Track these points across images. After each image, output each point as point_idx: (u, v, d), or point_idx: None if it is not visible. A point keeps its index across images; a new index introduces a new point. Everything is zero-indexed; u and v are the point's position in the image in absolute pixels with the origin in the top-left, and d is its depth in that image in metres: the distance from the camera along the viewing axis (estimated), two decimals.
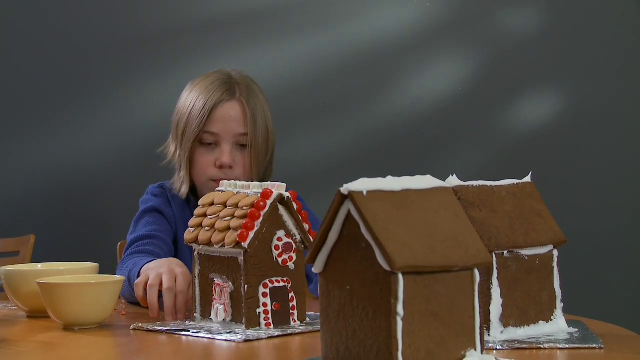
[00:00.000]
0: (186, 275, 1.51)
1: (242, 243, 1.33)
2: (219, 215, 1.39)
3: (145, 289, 1.51)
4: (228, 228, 1.36)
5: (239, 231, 1.34)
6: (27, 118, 2.91)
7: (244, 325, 1.34)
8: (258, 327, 1.34)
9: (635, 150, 2.80)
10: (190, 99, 1.90)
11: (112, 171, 2.87)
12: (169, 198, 1.95)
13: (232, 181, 1.45)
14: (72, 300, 1.38)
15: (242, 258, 1.35)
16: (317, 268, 0.97)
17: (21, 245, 2.48)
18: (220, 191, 1.44)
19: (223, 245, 1.35)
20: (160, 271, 1.52)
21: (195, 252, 1.41)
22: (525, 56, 2.82)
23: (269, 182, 1.43)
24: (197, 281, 1.41)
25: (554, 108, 2.82)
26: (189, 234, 1.41)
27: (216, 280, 1.38)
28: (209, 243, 1.37)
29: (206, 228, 1.39)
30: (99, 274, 1.61)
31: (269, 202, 1.37)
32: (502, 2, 2.83)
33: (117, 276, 1.49)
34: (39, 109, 2.91)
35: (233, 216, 1.37)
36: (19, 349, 1.24)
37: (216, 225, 1.38)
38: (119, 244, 2.16)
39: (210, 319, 1.38)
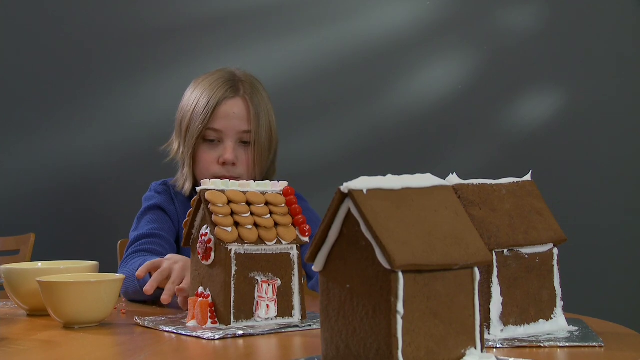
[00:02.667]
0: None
1: (305, 238, 1.40)
2: (252, 213, 1.38)
3: (151, 273, 1.54)
4: (274, 225, 1.39)
5: (300, 227, 1.40)
6: (27, 117, 2.91)
7: (294, 318, 1.40)
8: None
9: (635, 148, 2.80)
10: (194, 97, 1.90)
11: (112, 170, 2.87)
12: (172, 195, 1.95)
13: (217, 180, 1.43)
14: (72, 299, 1.38)
15: (297, 253, 1.41)
16: (317, 266, 0.97)
17: (21, 244, 2.49)
18: (210, 189, 1.40)
19: (279, 242, 1.38)
20: (174, 267, 1.54)
21: (232, 252, 1.35)
22: (525, 54, 2.82)
23: (274, 181, 1.46)
24: (232, 283, 1.36)
25: (554, 106, 2.82)
26: (226, 234, 1.34)
27: (260, 279, 1.38)
28: (257, 241, 1.37)
29: (248, 226, 1.36)
30: (99, 272, 1.61)
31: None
32: (502, 0, 2.84)
33: (118, 274, 1.49)
34: (39, 107, 2.91)
35: (271, 213, 1.40)
36: (19, 347, 1.24)
37: (262, 223, 1.37)
38: (119, 242, 2.16)
39: (255, 319, 1.37)
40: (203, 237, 1.37)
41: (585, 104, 2.81)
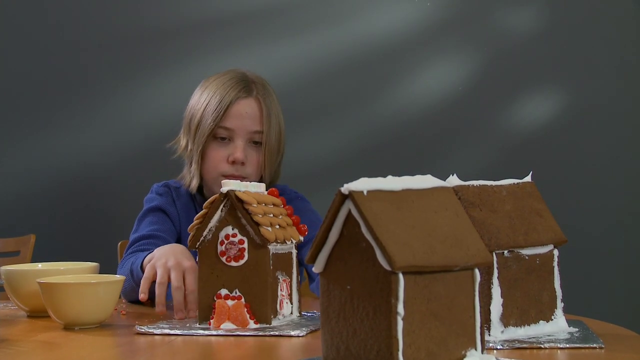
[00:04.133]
0: (195, 269, 1.50)
1: (301, 237, 1.45)
2: (273, 214, 1.41)
3: (152, 285, 1.51)
4: (287, 225, 1.43)
5: (297, 226, 1.45)
6: (27, 117, 2.91)
7: (293, 316, 1.44)
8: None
9: (635, 149, 2.80)
10: (206, 95, 1.90)
11: (113, 171, 2.87)
12: (173, 197, 1.95)
13: (235, 181, 1.43)
14: (72, 300, 1.38)
15: (296, 251, 1.45)
16: (317, 267, 0.97)
17: (21, 245, 2.49)
18: (236, 190, 1.41)
19: (292, 242, 1.43)
20: (169, 265, 1.51)
21: (271, 252, 1.37)
22: (525, 56, 2.82)
23: (254, 183, 1.45)
24: (270, 282, 1.38)
25: (554, 107, 2.82)
26: (269, 234, 1.36)
27: (281, 277, 1.40)
28: (283, 241, 1.40)
29: (277, 226, 1.39)
30: (100, 273, 1.61)
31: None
32: (502, 1, 2.84)
33: (118, 276, 1.49)
34: (39, 108, 2.91)
35: (280, 214, 1.43)
36: (20, 348, 1.24)
37: (281, 223, 1.41)
38: (120, 243, 2.16)
39: (279, 317, 1.39)
40: (231, 238, 1.37)
41: (585, 106, 2.81)
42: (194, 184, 1.92)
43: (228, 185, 1.38)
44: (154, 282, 1.52)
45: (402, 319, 0.89)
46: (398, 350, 0.89)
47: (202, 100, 1.90)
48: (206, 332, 1.31)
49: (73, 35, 2.90)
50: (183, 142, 1.94)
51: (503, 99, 2.83)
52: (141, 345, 1.27)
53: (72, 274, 1.56)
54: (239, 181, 1.41)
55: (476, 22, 2.84)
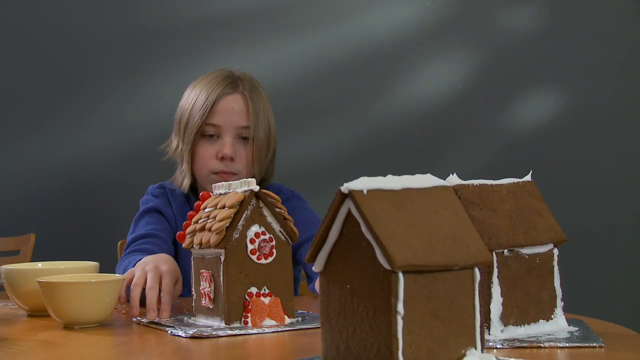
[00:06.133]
0: (172, 272, 1.51)
1: None
2: None
3: (129, 287, 1.51)
4: None
5: None
6: (27, 117, 2.91)
7: None
8: None
9: (635, 149, 2.80)
10: (193, 94, 1.91)
11: (112, 170, 2.87)
12: (169, 198, 1.96)
13: (225, 183, 1.43)
14: (72, 299, 1.38)
15: None
16: (317, 267, 0.97)
17: (21, 244, 2.49)
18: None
19: None
20: (146, 269, 1.52)
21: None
22: (525, 55, 2.82)
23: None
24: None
25: (554, 107, 2.82)
26: (297, 231, 1.42)
27: None
28: None
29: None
30: (100, 272, 1.61)
31: None
32: (502, 1, 2.84)
33: (118, 275, 1.49)
34: (38, 108, 2.91)
35: None
36: (20, 347, 1.24)
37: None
38: (119, 242, 2.17)
39: None
40: (262, 236, 1.38)
41: (585, 105, 2.81)
42: (186, 183, 1.92)
43: (251, 184, 1.39)
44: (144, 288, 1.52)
45: (402, 318, 0.89)
46: (398, 349, 0.89)
47: (190, 99, 1.91)
48: (260, 331, 1.31)
49: (72, 35, 2.90)
50: (174, 143, 1.95)
51: (503, 98, 2.83)
52: (141, 344, 1.27)
53: (72, 273, 1.56)
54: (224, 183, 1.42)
55: (476, 22, 2.84)
